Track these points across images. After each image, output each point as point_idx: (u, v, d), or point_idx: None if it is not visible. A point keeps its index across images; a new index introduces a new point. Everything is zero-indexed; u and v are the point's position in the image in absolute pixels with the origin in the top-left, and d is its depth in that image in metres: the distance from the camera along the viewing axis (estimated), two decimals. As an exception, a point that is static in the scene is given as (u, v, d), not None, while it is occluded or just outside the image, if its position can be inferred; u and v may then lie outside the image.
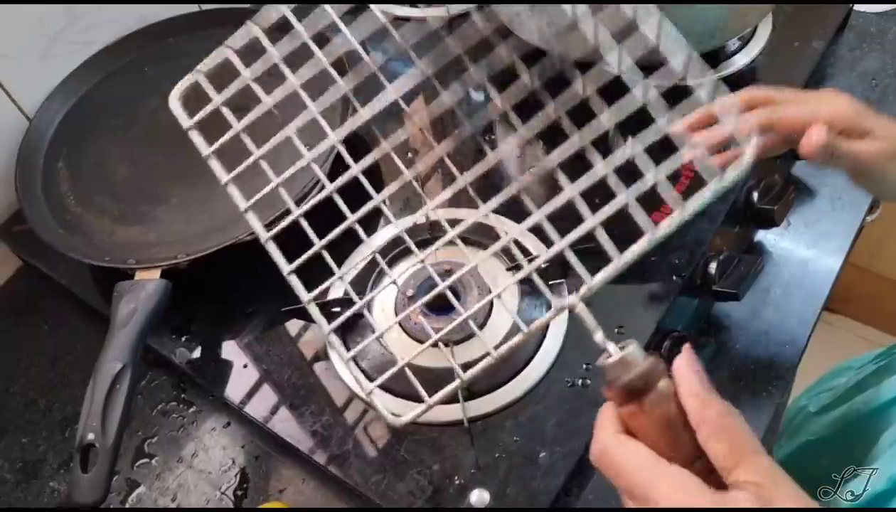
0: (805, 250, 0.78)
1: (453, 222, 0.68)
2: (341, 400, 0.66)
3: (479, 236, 0.69)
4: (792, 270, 0.77)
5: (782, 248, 0.79)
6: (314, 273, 0.58)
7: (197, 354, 0.72)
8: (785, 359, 0.72)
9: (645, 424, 0.37)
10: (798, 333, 0.73)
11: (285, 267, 0.55)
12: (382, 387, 0.61)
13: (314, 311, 0.54)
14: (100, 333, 0.65)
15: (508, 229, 0.68)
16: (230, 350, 0.71)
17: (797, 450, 0.81)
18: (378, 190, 0.54)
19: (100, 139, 0.82)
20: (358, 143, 0.81)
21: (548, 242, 0.48)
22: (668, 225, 0.46)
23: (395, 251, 0.71)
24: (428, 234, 0.71)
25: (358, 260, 0.68)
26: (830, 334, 1.50)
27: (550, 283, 0.65)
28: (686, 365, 0.38)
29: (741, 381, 0.71)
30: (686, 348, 0.40)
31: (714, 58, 0.80)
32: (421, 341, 0.64)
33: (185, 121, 0.56)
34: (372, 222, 0.72)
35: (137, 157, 0.80)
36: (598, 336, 0.43)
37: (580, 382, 0.63)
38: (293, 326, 0.72)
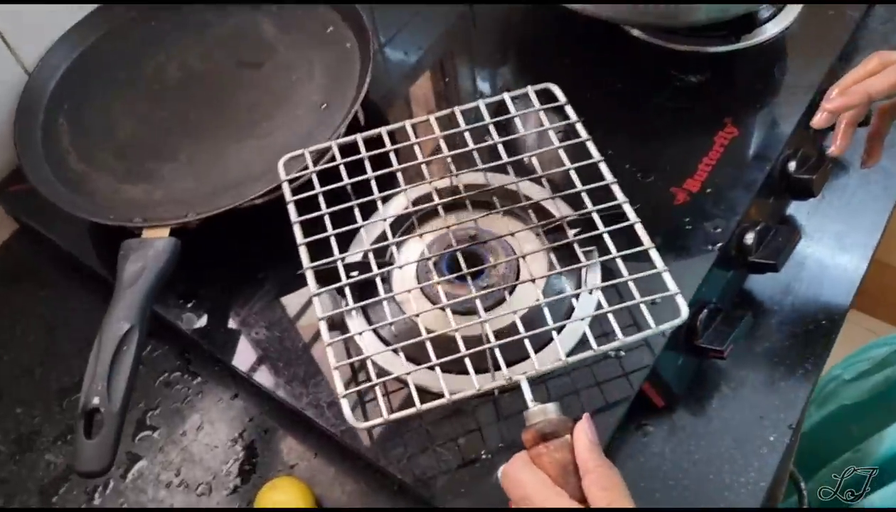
0: (839, 225, 0.75)
1: (480, 187, 0.66)
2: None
3: (508, 203, 0.66)
4: (828, 243, 0.74)
5: (816, 222, 0.76)
6: (338, 239, 0.60)
7: (204, 321, 0.68)
8: (820, 335, 0.69)
9: (546, 464, 0.47)
10: (834, 309, 0.70)
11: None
12: (409, 358, 0.58)
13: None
14: (100, 300, 0.61)
15: (534, 195, 0.65)
16: (240, 317, 0.68)
17: (827, 417, 0.80)
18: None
19: (103, 94, 0.78)
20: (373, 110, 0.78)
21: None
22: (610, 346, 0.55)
23: (417, 216, 0.68)
24: (451, 199, 0.67)
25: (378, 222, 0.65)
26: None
27: (583, 249, 0.61)
28: (584, 428, 0.48)
29: (775, 357, 0.67)
30: (585, 416, 0.48)
31: (747, 24, 0.76)
32: (444, 310, 0.60)
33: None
34: (388, 182, 0.68)
35: (143, 112, 0.77)
36: (528, 398, 0.52)
37: (613, 353, 0.59)
38: (308, 292, 0.68)
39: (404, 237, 0.66)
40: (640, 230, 0.59)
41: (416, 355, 0.59)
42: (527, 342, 0.55)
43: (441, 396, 0.53)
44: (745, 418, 0.64)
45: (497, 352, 0.55)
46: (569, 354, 0.55)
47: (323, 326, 0.57)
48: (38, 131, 0.75)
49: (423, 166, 0.65)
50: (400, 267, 0.64)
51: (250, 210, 0.67)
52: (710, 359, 0.64)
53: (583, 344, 0.57)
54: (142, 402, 0.69)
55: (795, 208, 0.77)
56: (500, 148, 0.65)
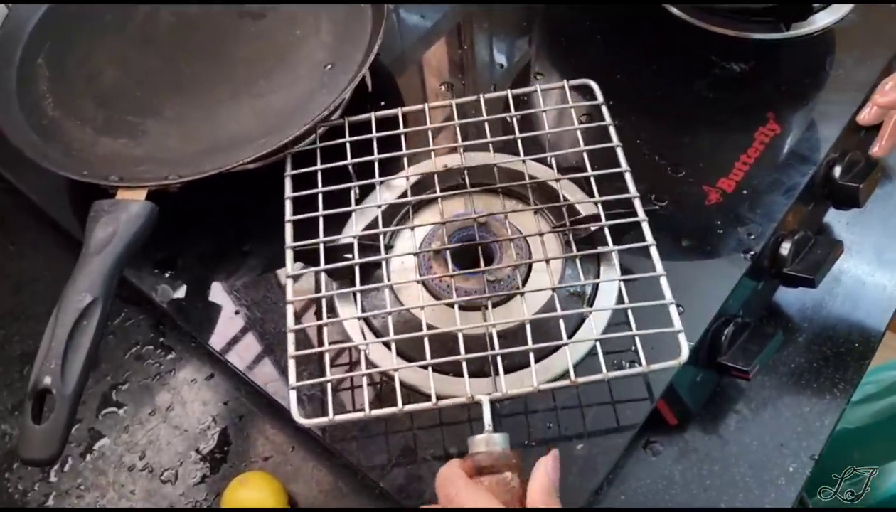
0: (880, 238, 0.69)
1: (488, 169, 0.60)
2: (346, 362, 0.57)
3: (520, 188, 0.60)
4: (867, 258, 0.68)
5: (855, 234, 0.70)
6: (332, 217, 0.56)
7: (181, 293, 0.62)
8: (853, 359, 0.63)
9: None
10: (869, 331, 0.65)
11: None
12: (403, 356, 0.53)
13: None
14: (73, 259, 0.56)
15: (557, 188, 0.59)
16: (220, 293, 0.62)
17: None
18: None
19: (88, 36, 0.72)
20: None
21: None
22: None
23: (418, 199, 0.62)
24: (459, 180, 0.61)
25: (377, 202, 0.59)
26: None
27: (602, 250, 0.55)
28: (546, 467, 0.43)
29: (801, 380, 0.62)
30: (552, 454, 0.44)
31: (801, 11, 0.69)
32: (448, 304, 0.55)
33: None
34: (392, 167, 0.62)
35: (130, 59, 0.70)
36: (486, 422, 0.47)
37: (627, 365, 0.54)
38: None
39: (399, 227, 0.60)
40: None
41: (407, 351, 0.53)
42: (498, 359, 0.50)
43: (427, 397, 0.49)
44: (763, 444, 0.59)
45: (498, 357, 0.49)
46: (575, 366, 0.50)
47: (289, 310, 0.53)
48: (13, 71, 0.69)
49: (433, 154, 0.60)
50: (398, 256, 0.58)
51: (240, 176, 0.61)
52: (733, 377, 0.59)
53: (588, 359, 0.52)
54: (110, 374, 0.64)
55: (833, 216, 0.71)
56: (519, 143, 0.60)
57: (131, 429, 0.61)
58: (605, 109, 0.61)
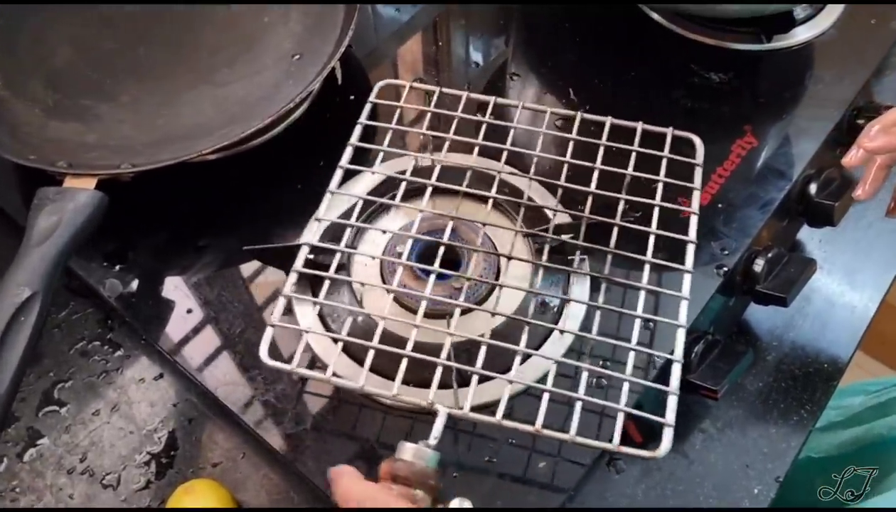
0: (852, 258, 0.68)
1: (461, 170, 0.58)
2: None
3: (490, 192, 0.58)
4: (837, 277, 0.67)
5: (827, 252, 0.69)
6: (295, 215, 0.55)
7: (132, 288, 0.59)
8: (820, 380, 0.62)
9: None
10: (837, 353, 0.64)
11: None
12: (355, 359, 0.50)
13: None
14: (17, 248, 0.53)
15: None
16: (173, 289, 0.59)
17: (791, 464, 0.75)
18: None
19: (42, 11, 0.68)
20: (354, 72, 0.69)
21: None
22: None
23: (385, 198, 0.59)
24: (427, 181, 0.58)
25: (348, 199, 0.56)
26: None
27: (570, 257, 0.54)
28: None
29: (770, 398, 0.61)
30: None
31: (784, 23, 0.68)
32: (412, 310, 0.52)
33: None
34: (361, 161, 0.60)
35: (87, 39, 0.67)
36: (433, 433, 0.45)
37: (594, 381, 0.52)
38: (253, 269, 0.59)
39: (366, 224, 0.58)
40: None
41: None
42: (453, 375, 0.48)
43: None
44: (728, 465, 0.58)
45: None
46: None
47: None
48: (-42, 46, 0.65)
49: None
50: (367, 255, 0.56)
51: (198, 167, 0.58)
52: (701, 396, 0.57)
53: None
54: (52, 370, 0.60)
55: (806, 234, 0.70)
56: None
57: (73, 429, 0.58)
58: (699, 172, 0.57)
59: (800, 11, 0.71)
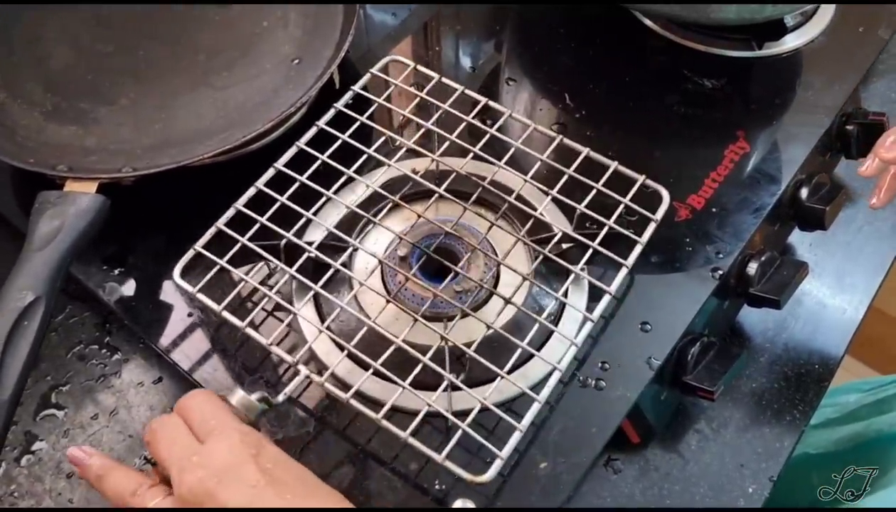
0: (842, 261, 0.70)
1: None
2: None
3: (493, 197, 0.58)
4: (828, 281, 0.69)
5: (818, 255, 0.70)
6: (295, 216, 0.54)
7: (130, 291, 0.59)
8: (812, 381, 0.63)
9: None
10: (828, 354, 0.65)
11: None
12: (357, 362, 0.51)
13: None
14: (17, 253, 0.52)
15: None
16: (172, 293, 0.59)
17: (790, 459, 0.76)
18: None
19: (40, 14, 0.68)
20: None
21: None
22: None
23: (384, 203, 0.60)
24: (432, 185, 0.59)
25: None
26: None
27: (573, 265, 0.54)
28: None
29: (763, 400, 0.62)
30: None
31: (776, 30, 0.69)
32: (412, 312, 0.53)
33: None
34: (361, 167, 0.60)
35: (84, 42, 0.67)
36: (290, 388, 0.49)
37: (593, 383, 0.53)
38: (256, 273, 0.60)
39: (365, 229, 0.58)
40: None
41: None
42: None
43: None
44: (723, 465, 0.59)
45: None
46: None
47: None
48: (-46, 46, 0.64)
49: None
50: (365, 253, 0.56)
51: (197, 171, 0.58)
52: (697, 397, 0.58)
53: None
54: (50, 374, 0.60)
55: (797, 237, 0.71)
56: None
57: (71, 433, 0.58)
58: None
59: (790, 19, 0.72)
